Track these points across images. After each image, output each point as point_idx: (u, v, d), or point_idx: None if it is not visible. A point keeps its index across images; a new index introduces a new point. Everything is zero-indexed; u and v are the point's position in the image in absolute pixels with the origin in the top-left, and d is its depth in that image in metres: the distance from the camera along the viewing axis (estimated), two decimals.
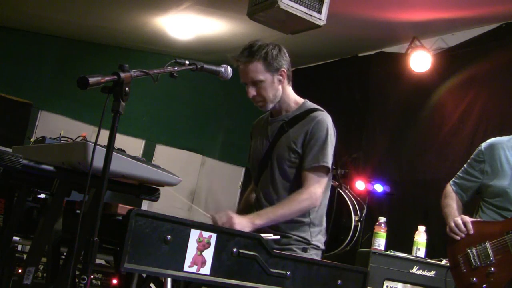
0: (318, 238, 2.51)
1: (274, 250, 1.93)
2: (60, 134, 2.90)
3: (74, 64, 7.16)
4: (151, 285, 2.17)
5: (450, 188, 3.00)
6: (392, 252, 4.03)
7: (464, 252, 2.74)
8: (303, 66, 7.23)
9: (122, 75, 1.68)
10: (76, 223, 1.66)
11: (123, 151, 2.08)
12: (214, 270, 1.76)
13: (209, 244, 1.75)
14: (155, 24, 6.38)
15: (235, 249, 1.80)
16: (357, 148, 6.20)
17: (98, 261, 3.34)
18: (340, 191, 5.23)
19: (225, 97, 7.66)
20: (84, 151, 1.81)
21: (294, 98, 2.59)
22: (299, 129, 2.48)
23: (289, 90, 2.58)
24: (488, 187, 2.84)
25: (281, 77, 2.50)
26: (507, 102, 4.88)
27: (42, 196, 2.28)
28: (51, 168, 1.87)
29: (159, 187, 2.14)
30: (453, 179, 3.02)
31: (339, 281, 2.05)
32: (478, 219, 2.83)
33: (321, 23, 4.20)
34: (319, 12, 4.15)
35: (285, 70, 2.50)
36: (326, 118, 2.48)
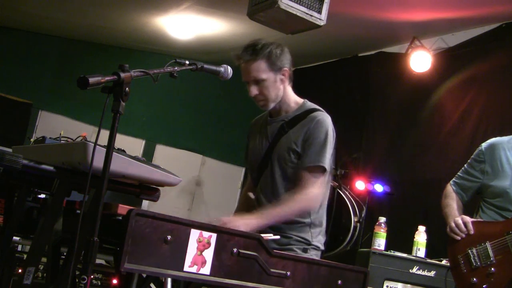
0: (319, 239, 2.51)
1: (274, 250, 1.93)
2: (60, 134, 2.90)
3: (74, 64, 7.17)
4: (151, 285, 2.17)
5: (450, 188, 3.00)
6: (392, 252, 4.03)
7: (465, 252, 2.74)
8: (303, 66, 7.23)
9: (122, 75, 1.67)
10: (76, 223, 1.66)
11: (123, 151, 2.08)
12: (214, 270, 1.75)
13: (209, 244, 1.75)
14: (155, 24, 6.38)
15: (235, 249, 1.80)
16: (357, 148, 6.20)
17: (98, 261, 3.34)
18: (340, 191, 5.23)
19: (225, 97, 7.66)
20: (84, 151, 1.81)
21: (294, 98, 2.59)
22: (299, 130, 2.47)
23: (290, 90, 2.57)
24: (488, 187, 2.84)
25: (283, 77, 2.49)
26: (507, 102, 4.88)
27: (42, 196, 2.27)
28: (51, 168, 1.87)
29: (159, 187, 2.14)
30: (454, 179, 3.02)
31: (339, 281, 2.05)
32: (479, 219, 2.83)
33: (321, 23, 4.20)
34: (319, 12, 4.15)
35: (287, 69, 2.50)
36: (326, 119, 2.48)
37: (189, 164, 7.69)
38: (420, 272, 3.97)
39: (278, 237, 2.28)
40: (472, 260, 2.70)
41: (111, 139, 1.66)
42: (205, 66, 2.07)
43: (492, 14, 5.06)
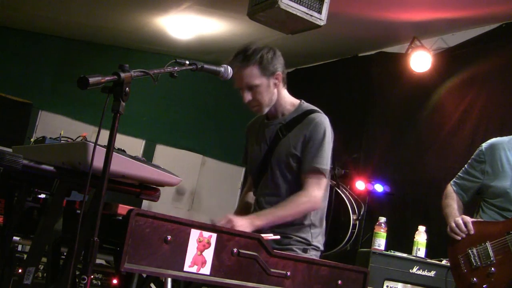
0: (319, 239, 2.51)
1: (274, 250, 1.93)
2: (60, 134, 2.90)
3: (74, 64, 7.17)
4: (151, 285, 2.17)
5: (450, 188, 3.00)
6: (392, 252, 4.03)
7: (465, 252, 2.74)
8: (303, 66, 7.22)
9: (122, 75, 1.67)
10: (76, 223, 1.66)
11: (123, 151, 2.07)
12: (214, 270, 1.75)
13: (209, 244, 1.75)
14: (156, 24, 6.38)
15: (235, 249, 1.80)
16: (357, 148, 6.20)
17: (98, 261, 3.34)
18: (338, 190, 5.22)
19: (225, 97, 7.65)
20: (84, 151, 1.81)
21: (290, 100, 2.57)
22: (297, 133, 2.46)
23: (285, 92, 2.56)
24: (489, 187, 2.84)
25: (276, 81, 2.48)
26: (507, 102, 4.88)
27: (42, 196, 2.27)
28: (51, 168, 1.87)
29: (159, 187, 2.14)
30: (454, 179, 3.02)
31: (339, 281, 2.05)
32: (479, 219, 2.83)
33: (321, 23, 4.20)
34: (319, 12, 4.15)
35: (280, 73, 2.48)
36: (323, 120, 2.47)
37: (189, 164, 7.68)
38: (420, 272, 3.97)
39: (278, 237, 2.29)
40: (472, 260, 2.70)
41: (111, 139, 1.65)
42: (205, 66, 2.06)
43: (492, 14, 5.06)
